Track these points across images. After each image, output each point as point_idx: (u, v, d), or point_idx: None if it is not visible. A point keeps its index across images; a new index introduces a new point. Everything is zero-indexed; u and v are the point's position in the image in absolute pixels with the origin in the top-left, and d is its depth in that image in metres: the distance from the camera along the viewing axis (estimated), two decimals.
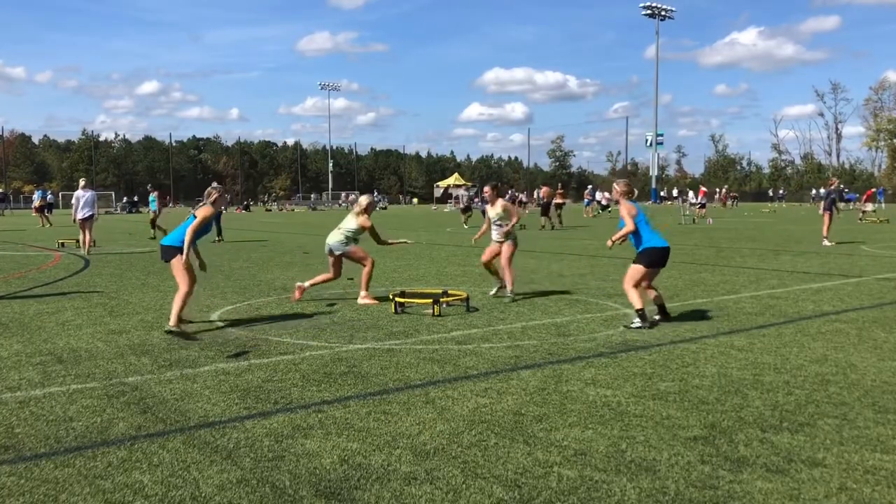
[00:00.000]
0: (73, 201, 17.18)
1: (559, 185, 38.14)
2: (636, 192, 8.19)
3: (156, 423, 4.56)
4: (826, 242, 18.07)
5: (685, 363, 5.99)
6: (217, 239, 20.60)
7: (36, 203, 34.90)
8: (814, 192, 70.37)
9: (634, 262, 7.66)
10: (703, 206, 35.74)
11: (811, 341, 6.80)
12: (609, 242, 7.88)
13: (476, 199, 40.99)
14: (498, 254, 9.68)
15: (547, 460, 3.89)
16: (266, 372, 5.80)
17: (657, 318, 7.73)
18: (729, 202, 62.34)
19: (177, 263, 7.40)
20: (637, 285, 7.56)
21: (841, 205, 19.34)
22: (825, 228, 18.48)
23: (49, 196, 53.38)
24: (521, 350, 6.52)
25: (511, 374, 5.67)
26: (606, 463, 3.85)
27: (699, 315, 8.24)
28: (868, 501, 3.38)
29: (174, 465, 3.86)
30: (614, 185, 8.14)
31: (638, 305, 7.44)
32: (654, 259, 7.62)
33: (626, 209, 7.69)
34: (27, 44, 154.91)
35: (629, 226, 7.63)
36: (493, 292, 9.80)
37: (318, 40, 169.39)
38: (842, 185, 21.40)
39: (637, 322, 7.42)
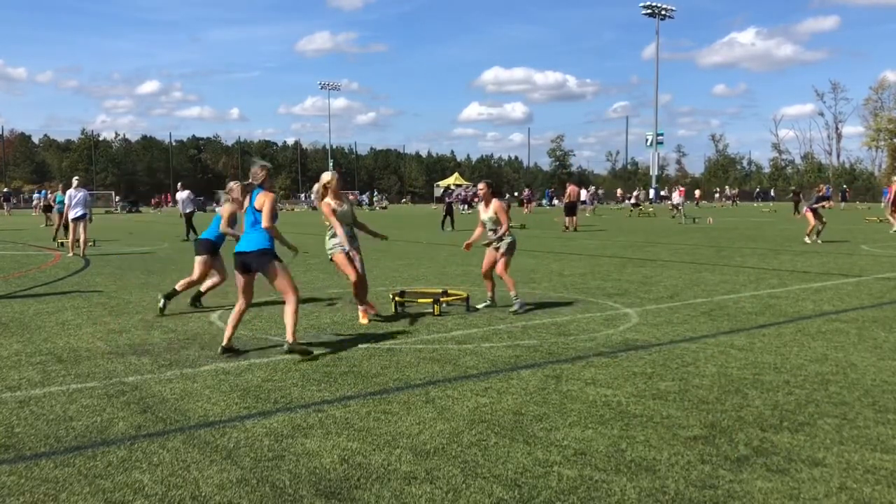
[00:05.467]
0: (66, 200, 17.10)
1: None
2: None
3: (156, 422, 4.56)
4: (807, 240, 18.96)
5: (685, 363, 5.99)
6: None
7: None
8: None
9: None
10: (676, 207, 36.22)
11: (811, 341, 6.80)
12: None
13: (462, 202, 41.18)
14: (494, 261, 8.84)
15: (547, 460, 3.89)
16: (266, 371, 5.80)
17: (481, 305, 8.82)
18: (727, 201, 62.34)
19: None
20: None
21: (825, 203, 20.98)
22: (809, 228, 19.28)
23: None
24: (521, 350, 6.52)
25: (511, 374, 5.67)
26: (606, 462, 3.85)
27: (699, 315, 8.24)
28: (868, 501, 3.38)
29: (174, 464, 3.86)
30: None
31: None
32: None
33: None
34: (27, 44, 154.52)
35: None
36: (481, 306, 8.80)
37: (318, 40, 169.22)
38: (826, 189, 23.38)
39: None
